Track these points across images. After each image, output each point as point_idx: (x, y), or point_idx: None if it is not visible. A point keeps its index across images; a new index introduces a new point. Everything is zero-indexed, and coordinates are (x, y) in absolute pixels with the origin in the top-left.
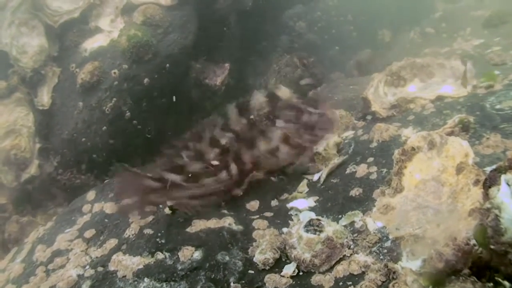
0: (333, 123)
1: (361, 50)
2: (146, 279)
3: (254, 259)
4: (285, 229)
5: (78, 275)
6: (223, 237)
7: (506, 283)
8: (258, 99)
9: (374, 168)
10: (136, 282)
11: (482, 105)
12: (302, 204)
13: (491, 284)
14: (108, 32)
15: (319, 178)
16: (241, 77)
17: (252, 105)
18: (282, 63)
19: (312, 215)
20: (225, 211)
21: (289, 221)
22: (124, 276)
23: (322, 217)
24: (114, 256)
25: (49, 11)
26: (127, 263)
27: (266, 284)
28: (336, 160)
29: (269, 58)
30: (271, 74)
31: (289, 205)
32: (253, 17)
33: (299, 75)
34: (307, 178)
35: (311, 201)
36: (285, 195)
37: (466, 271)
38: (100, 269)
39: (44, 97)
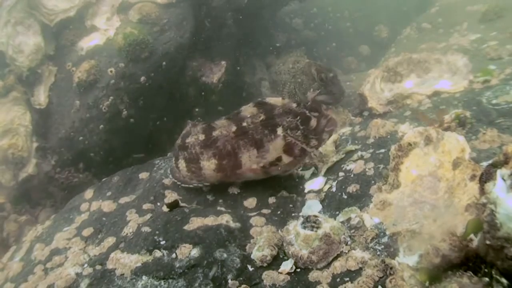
0: (337, 124)
1: (358, 46)
2: (144, 277)
3: (252, 256)
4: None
5: (77, 274)
6: (221, 235)
7: (504, 280)
8: (247, 109)
9: (371, 164)
10: (134, 280)
11: (479, 100)
12: (316, 184)
13: (487, 279)
14: (104, 30)
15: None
16: (238, 75)
17: (243, 114)
18: (298, 68)
19: (318, 207)
20: (223, 209)
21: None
22: (122, 274)
23: (319, 213)
24: (112, 254)
25: (45, 10)
26: (125, 261)
27: (264, 281)
28: (334, 158)
29: (266, 54)
30: (274, 69)
31: (307, 187)
32: (249, 14)
33: (315, 90)
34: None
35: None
36: (283, 192)
37: (463, 266)
38: (98, 267)
39: (41, 96)
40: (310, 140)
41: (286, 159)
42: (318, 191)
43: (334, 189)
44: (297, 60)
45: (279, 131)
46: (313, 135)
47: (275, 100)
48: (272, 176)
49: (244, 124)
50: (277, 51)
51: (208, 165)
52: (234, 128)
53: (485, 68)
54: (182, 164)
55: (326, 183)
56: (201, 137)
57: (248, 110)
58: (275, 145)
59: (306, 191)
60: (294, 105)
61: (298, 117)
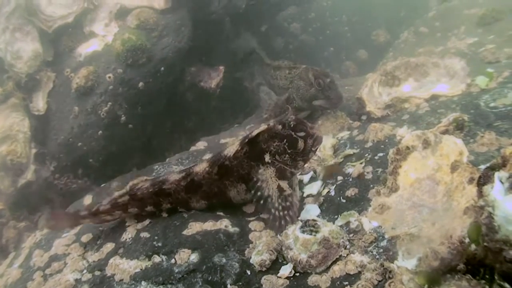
0: (322, 140)
1: (356, 51)
2: (143, 282)
3: (251, 261)
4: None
5: (76, 280)
6: (220, 239)
7: (507, 286)
8: (231, 148)
9: (369, 168)
10: (133, 286)
11: (477, 103)
12: (315, 188)
13: (486, 281)
14: (102, 36)
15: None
16: (236, 80)
17: (225, 153)
18: (295, 74)
19: (316, 211)
20: (221, 214)
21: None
22: (121, 280)
23: (318, 217)
24: (111, 260)
25: (43, 17)
26: (124, 267)
27: (263, 286)
28: (333, 163)
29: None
30: (270, 73)
31: (305, 191)
32: (247, 19)
33: (313, 95)
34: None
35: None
36: None
37: (462, 268)
38: (97, 273)
39: (40, 102)
40: (298, 162)
41: (284, 185)
42: (317, 195)
43: (332, 193)
44: (293, 66)
45: (267, 157)
46: (301, 156)
47: (260, 129)
48: None
49: (227, 162)
50: (274, 55)
51: (199, 205)
52: (216, 169)
53: (487, 72)
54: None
55: (324, 187)
56: (183, 183)
57: (231, 147)
58: (264, 174)
59: (304, 195)
60: (280, 127)
61: (285, 140)
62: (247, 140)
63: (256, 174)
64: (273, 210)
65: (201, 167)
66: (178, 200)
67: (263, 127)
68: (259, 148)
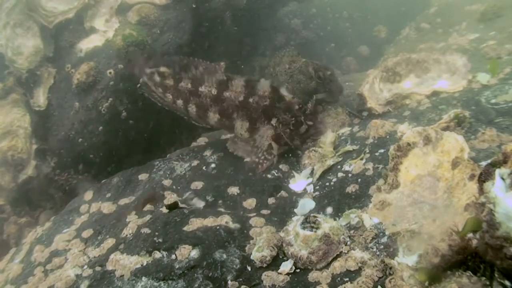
0: (323, 133)
1: (357, 47)
2: (144, 278)
3: (251, 257)
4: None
5: (76, 275)
6: (220, 235)
7: (507, 283)
8: (264, 86)
9: (370, 165)
10: (133, 281)
11: (478, 100)
12: (300, 186)
13: (486, 278)
14: (103, 32)
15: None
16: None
17: (258, 89)
18: (295, 68)
19: (311, 204)
20: (222, 209)
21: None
22: (122, 276)
23: (319, 214)
24: (111, 256)
25: (44, 12)
26: (124, 263)
27: (264, 282)
28: (331, 161)
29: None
30: (268, 70)
31: (305, 187)
32: (248, 15)
33: (314, 88)
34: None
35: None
36: (282, 193)
37: (462, 265)
38: (98, 268)
39: (40, 98)
40: (294, 138)
41: (274, 147)
42: (316, 191)
43: (333, 189)
44: (293, 60)
45: (273, 121)
46: (298, 137)
47: (286, 94)
48: (271, 177)
49: (251, 100)
50: (274, 52)
51: (212, 117)
52: (241, 98)
53: (493, 60)
54: (192, 108)
55: (324, 183)
56: (214, 91)
57: (263, 88)
58: (265, 131)
59: (304, 191)
60: (296, 107)
61: (293, 119)
62: (276, 89)
63: (259, 124)
64: (254, 157)
65: (236, 84)
66: (202, 104)
67: (289, 97)
68: (273, 112)
